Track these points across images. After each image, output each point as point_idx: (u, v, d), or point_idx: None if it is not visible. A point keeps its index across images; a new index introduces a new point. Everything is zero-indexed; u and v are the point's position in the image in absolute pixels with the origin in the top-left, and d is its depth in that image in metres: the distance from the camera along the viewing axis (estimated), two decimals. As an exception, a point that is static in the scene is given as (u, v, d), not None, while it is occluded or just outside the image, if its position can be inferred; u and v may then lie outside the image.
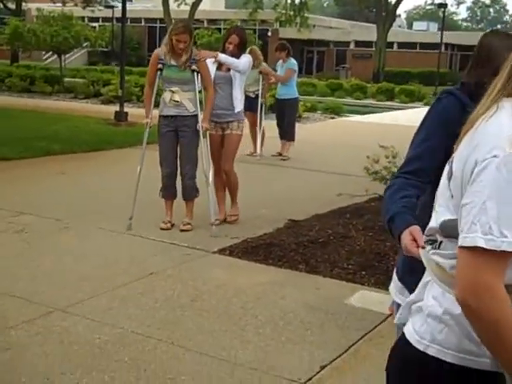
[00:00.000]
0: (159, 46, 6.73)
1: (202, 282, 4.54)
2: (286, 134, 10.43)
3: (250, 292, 4.39)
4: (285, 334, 3.77)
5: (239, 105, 6.11)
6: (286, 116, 10.36)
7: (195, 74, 5.70)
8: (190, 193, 5.86)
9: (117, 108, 14.23)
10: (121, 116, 13.77)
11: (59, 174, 8.24)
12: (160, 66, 5.66)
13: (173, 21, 35.03)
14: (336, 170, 9.27)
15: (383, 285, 4.58)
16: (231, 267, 4.89)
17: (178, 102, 5.66)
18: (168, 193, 5.89)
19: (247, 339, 3.69)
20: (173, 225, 5.82)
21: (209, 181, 5.92)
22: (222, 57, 6.04)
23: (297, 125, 15.95)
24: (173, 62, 5.65)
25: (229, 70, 6.04)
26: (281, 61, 10.41)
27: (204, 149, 5.82)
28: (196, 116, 5.74)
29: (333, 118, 18.14)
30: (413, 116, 19.71)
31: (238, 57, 6.03)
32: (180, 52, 5.60)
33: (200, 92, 5.86)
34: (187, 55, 5.61)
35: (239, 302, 4.21)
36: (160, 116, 5.78)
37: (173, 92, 5.66)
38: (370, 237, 5.54)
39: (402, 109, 22.94)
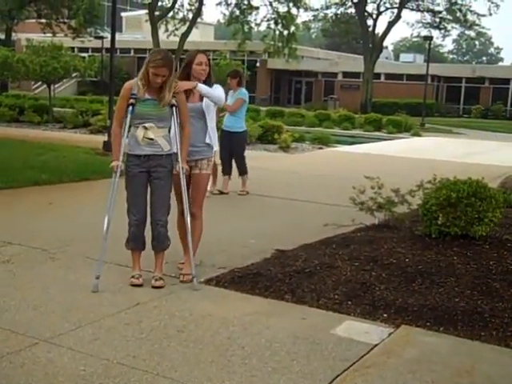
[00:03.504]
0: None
1: (189, 313, 4.54)
2: (238, 169, 9.84)
3: (236, 322, 4.39)
4: (271, 365, 3.77)
5: (214, 140, 5.49)
6: (235, 151, 9.65)
7: (174, 108, 5.09)
8: (163, 242, 5.18)
9: (105, 138, 14.27)
10: (109, 146, 13.60)
11: (47, 203, 8.23)
12: (132, 100, 4.97)
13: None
14: (322, 200, 9.32)
15: (369, 315, 4.61)
16: (218, 297, 4.89)
17: (152, 140, 5.00)
18: (137, 244, 5.17)
19: (233, 370, 3.68)
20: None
21: (188, 226, 5.20)
22: (203, 88, 5.32)
23: (285, 155, 16.16)
24: (147, 96, 4.99)
25: (201, 99, 5.37)
26: (231, 90, 9.51)
27: (184, 192, 5.19)
28: (171, 155, 5.13)
29: (321, 148, 18.29)
30: (399, 147, 19.92)
31: (208, 85, 5.39)
32: (157, 86, 4.98)
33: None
34: (171, 92, 5.01)
35: (225, 332, 4.21)
36: (130, 155, 5.08)
37: (146, 129, 5.00)
38: (355, 267, 5.57)
39: (389, 139, 23.19)
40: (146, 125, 5.00)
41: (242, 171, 9.86)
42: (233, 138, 9.53)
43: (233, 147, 9.60)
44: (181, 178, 5.12)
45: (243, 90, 9.64)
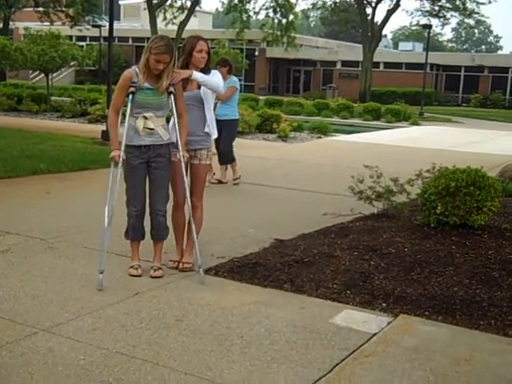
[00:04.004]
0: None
1: (188, 302, 4.54)
2: (223, 157, 9.60)
3: (235, 312, 4.40)
4: (270, 354, 3.77)
5: (213, 130, 5.39)
6: (222, 137, 9.10)
7: (172, 96, 5.01)
8: (162, 232, 5.19)
9: (103, 127, 14.25)
10: (107, 135, 13.75)
11: (45, 193, 8.22)
12: (133, 89, 4.90)
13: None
14: (321, 190, 9.32)
15: (368, 304, 4.62)
16: (217, 287, 4.89)
17: (152, 129, 4.96)
18: (137, 234, 5.13)
19: (232, 359, 3.69)
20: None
21: (190, 217, 5.22)
22: (198, 76, 5.16)
23: (283, 144, 16.14)
24: (147, 85, 4.93)
25: (199, 87, 5.26)
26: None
27: (186, 181, 5.15)
28: (169, 144, 5.09)
29: (319, 137, 18.26)
30: (398, 136, 19.90)
31: (206, 72, 5.28)
32: (157, 73, 4.92)
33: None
34: (169, 79, 4.94)
35: (225, 322, 4.22)
36: (129, 146, 4.97)
37: (145, 118, 4.95)
38: (354, 256, 5.57)
39: (388, 128, 23.15)
40: (146, 114, 4.94)
41: (226, 161, 9.65)
42: (224, 125, 9.27)
43: (223, 134, 9.24)
44: (182, 166, 5.05)
45: (234, 77, 9.54)
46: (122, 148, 4.92)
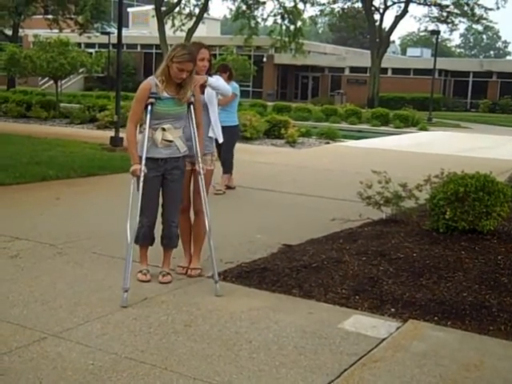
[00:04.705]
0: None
1: (196, 307, 4.54)
2: (223, 165, 9.39)
3: (243, 317, 4.40)
4: (278, 359, 3.77)
5: (218, 133, 5.44)
6: (224, 145, 8.54)
7: (192, 106, 4.97)
8: (175, 241, 5.19)
9: (112, 133, 14.30)
10: (116, 141, 13.84)
11: (54, 199, 8.26)
12: (152, 100, 4.80)
13: (169, 47, 35.40)
14: (329, 195, 9.31)
15: (376, 309, 4.61)
16: (225, 292, 4.89)
17: (171, 141, 4.87)
18: (148, 240, 5.13)
19: (241, 364, 3.69)
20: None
21: (207, 225, 5.04)
22: (212, 81, 5.32)
23: (291, 149, 16.14)
24: (166, 95, 4.84)
25: (202, 92, 5.32)
26: None
27: (203, 192, 5.05)
28: (185, 157, 5.04)
29: (328, 143, 18.25)
30: (406, 141, 19.87)
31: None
32: (178, 82, 4.84)
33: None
34: (191, 88, 4.88)
35: (233, 327, 4.22)
36: (146, 158, 4.83)
37: (164, 130, 4.85)
38: (363, 261, 5.56)
39: (396, 134, 23.11)
40: (165, 126, 4.85)
41: (226, 170, 9.51)
42: (224, 132, 9.22)
43: (223, 141, 9.25)
44: (201, 178, 5.01)
45: (234, 83, 9.46)
46: (143, 162, 4.80)
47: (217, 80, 5.46)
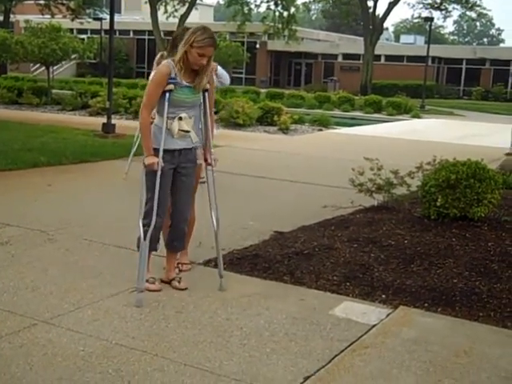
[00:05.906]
0: (156, 58, 5.83)
1: (187, 294, 4.55)
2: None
3: (235, 303, 4.40)
4: (269, 345, 3.78)
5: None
6: None
7: (206, 94, 4.57)
8: (184, 241, 4.83)
9: (104, 120, 14.24)
10: (108, 128, 13.79)
11: (46, 185, 8.23)
12: (171, 86, 4.36)
13: (161, 33, 35.21)
14: (322, 182, 9.31)
15: (367, 296, 4.63)
16: (216, 279, 4.89)
17: (188, 131, 4.48)
18: (154, 245, 4.62)
19: (232, 350, 3.70)
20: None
21: (215, 222, 4.84)
22: (219, 68, 5.28)
23: (284, 136, 16.12)
24: (184, 82, 4.42)
25: None
26: None
27: (211, 186, 4.74)
28: (196, 148, 4.66)
29: (320, 130, 18.24)
30: (399, 128, 19.87)
31: None
32: (196, 69, 4.42)
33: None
34: (208, 75, 4.52)
35: (224, 314, 4.22)
36: (159, 150, 4.43)
37: (180, 119, 4.46)
38: (354, 248, 5.57)
39: (389, 121, 23.11)
40: (182, 115, 4.45)
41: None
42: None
43: None
44: (212, 171, 4.69)
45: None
46: (161, 154, 4.40)
47: (220, 68, 5.50)
